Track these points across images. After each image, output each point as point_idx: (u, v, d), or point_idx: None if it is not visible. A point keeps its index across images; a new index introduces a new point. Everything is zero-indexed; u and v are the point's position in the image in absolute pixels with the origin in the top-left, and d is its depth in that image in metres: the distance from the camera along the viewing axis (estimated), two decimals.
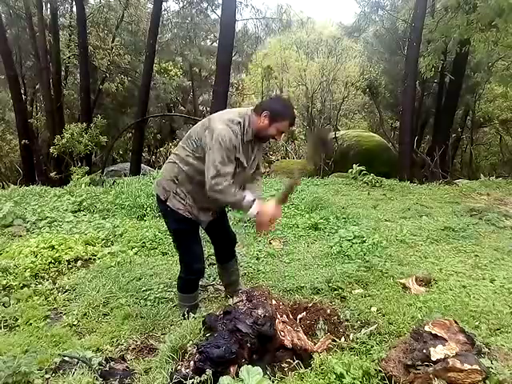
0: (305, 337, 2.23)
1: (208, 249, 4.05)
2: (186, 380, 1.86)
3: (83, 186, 6.72)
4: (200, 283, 3.35)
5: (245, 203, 2.40)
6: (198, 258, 2.69)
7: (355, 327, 2.50)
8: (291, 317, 2.38)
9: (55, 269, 3.65)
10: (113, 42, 15.29)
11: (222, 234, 2.90)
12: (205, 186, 2.39)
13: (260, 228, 2.59)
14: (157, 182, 2.71)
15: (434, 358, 1.83)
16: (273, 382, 1.95)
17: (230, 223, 3.27)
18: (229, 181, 2.36)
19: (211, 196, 2.39)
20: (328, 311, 2.56)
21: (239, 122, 2.44)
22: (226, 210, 3.07)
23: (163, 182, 2.62)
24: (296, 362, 2.09)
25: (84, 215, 5.17)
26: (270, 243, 4.29)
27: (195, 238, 2.70)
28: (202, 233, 2.84)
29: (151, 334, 2.71)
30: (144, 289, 3.24)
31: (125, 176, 9.33)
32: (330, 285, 3.11)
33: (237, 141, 2.40)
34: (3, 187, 7.31)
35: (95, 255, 3.94)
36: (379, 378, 1.92)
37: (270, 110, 2.43)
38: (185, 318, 2.52)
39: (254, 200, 2.42)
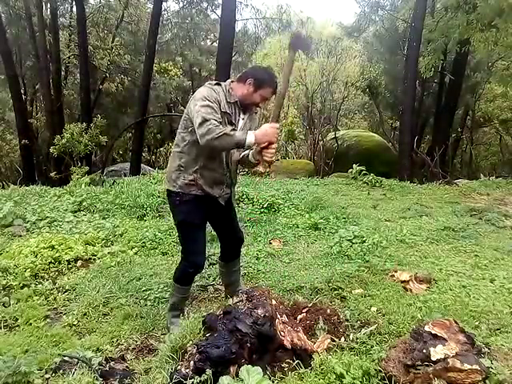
0: (305, 337, 2.23)
1: (208, 249, 4.06)
2: (185, 380, 1.86)
3: (83, 185, 6.72)
4: (200, 283, 3.37)
5: (238, 135, 2.35)
6: (199, 253, 2.69)
7: (355, 327, 2.50)
8: (291, 317, 2.38)
9: (55, 269, 3.65)
10: (113, 41, 15.29)
11: (230, 232, 2.90)
12: (207, 154, 2.45)
13: (265, 155, 2.44)
14: (165, 178, 2.72)
15: (433, 358, 1.83)
16: (273, 382, 1.95)
17: None
18: (217, 124, 2.31)
19: (206, 145, 2.33)
20: (328, 311, 2.56)
21: (219, 84, 2.52)
22: (234, 203, 3.05)
23: (170, 174, 2.63)
24: (296, 362, 2.08)
25: (84, 215, 5.17)
26: (270, 243, 4.29)
27: (200, 232, 2.68)
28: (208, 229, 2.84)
29: (151, 333, 2.71)
30: (144, 289, 3.24)
31: (125, 176, 9.33)
32: (330, 285, 3.10)
33: (219, 97, 2.44)
34: (3, 187, 7.30)
35: (95, 255, 3.94)
36: (379, 377, 1.92)
37: (255, 78, 2.48)
38: (174, 309, 2.70)
39: (246, 132, 2.39)
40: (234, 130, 2.47)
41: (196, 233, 2.67)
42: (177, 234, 4.28)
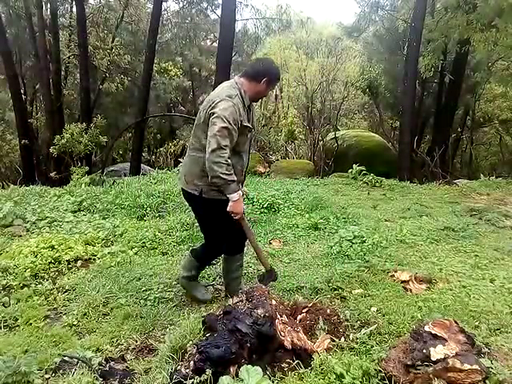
0: (305, 337, 2.23)
1: None
2: (185, 380, 1.86)
3: (83, 185, 6.72)
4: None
5: (232, 186, 2.58)
6: (222, 242, 2.95)
7: (355, 327, 2.50)
8: (291, 317, 2.38)
9: (55, 269, 3.65)
10: (113, 41, 15.29)
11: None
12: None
13: (235, 212, 2.69)
14: (184, 179, 2.83)
15: (433, 358, 1.83)
16: (273, 382, 1.95)
17: None
18: (227, 155, 2.53)
19: (209, 167, 2.53)
20: (328, 311, 2.56)
21: (236, 94, 2.64)
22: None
23: (192, 178, 2.76)
24: (296, 362, 2.08)
25: (84, 215, 5.17)
26: (270, 243, 4.29)
27: (224, 223, 2.81)
28: None
29: (151, 333, 2.70)
30: (144, 289, 3.24)
31: (125, 176, 9.34)
32: (330, 285, 3.11)
33: (239, 112, 2.60)
34: (3, 187, 7.30)
35: (95, 255, 3.94)
36: (379, 378, 1.92)
37: (269, 76, 2.71)
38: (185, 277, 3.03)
39: (237, 193, 2.62)
40: (242, 154, 2.76)
41: (221, 223, 2.86)
42: (176, 235, 4.31)
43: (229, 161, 2.53)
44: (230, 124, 2.52)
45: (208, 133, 2.55)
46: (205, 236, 3.06)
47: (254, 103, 2.98)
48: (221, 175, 2.53)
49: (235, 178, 2.60)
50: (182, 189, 2.89)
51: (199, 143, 2.70)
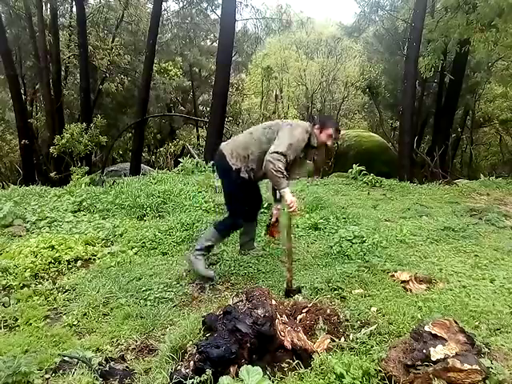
0: (305, 337, 2.23)
1: None
2: (185, 380, 1.86)
3: (83, 186, 6.72)
4: (200, 283, 3.37)
5: (284, 185, 3.10)
6: (242, 216, 3.52)
7: (355, 327, 2.49)
8: (291, 317, 2.38)
9: (55, 269, 3.65)
10: (113, 41, 15.30)
11: (256, 197, 3.75)
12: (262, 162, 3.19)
13: (294, 213, 3.14)
14: (229, 153, 3.38)
15: (433, 358, 1.83)
16: (273, 382, 1.95)
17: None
18: (284, 163, 3.10)
19: (266, 165, 3.11)
20: (328, 311, 2.56)
21: (307, 131, 3.30)
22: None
23: (237, 155, 3.34)
24: (296, 362, 2.08)
25: (84, 215, 5.16)
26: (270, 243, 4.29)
27: (245, 200, 3.49)
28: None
29: (151, 333, 2.70)
30: (144, 289, 3.24)
31: (125, 176, 9.32)
32: (330, 285, 3.10)
33: (303, 144, 3.26)
34: (3, 187, 7.30)
35: (95, 255, 3.94)
36: (379, 378, 1.92)
37: (322, 125, 3.35)
38: (204, 249, 3.42)
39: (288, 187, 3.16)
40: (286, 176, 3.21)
41: (243, 200, 3.51)
42: (176, 235, 4.34)
43: (283, 167, 3.15)
44: (297, 144, 3.28)
45: (280, 137, 3.27)
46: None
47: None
48: (275, 175, 3.14)
49: (287, 182, 3.21)
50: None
51: (257, 142, 3.37)
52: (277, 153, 3.09)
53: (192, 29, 16.59)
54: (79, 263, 3.78)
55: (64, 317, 2.92)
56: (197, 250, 3.44)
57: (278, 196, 3.47)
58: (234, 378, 1.85)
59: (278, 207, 3.65)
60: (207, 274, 3.37)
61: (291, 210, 3.06)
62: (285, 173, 3.09)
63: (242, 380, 1.78)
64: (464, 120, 16.75)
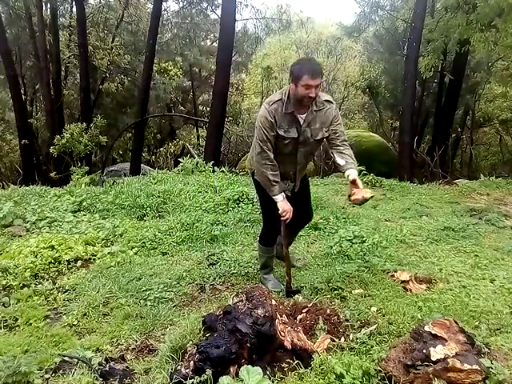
0: (305, 337, 2.23)
1: (208, 249, 4.06)
2: (185, 380, 1.86)
3: (83, 186, 6.71)
4: (200, 283, 3.37)
5: (276, 192, 2.89)
6: (276, 220, 3.08)
7: (355, 327, 2.49)
8: (291, 317, 2.38)
9: (55, 269, 3.65)
10: (113, 41, 15.30)
11: (298, 210, 3.15)
12: (275, 159, 2.86)
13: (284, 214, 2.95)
14: (250, 159, 3.20)
15: (433, 358, 1.83)
16: (273, 382, 1.95)
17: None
18: (269, 158, 2.83)
19: (257, 168, 2.91)
20: (328, 311, 2.56)
21: (279, 99, 2.77)
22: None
23: (250, 158, 3.14)
24: (296, 362, 2.08)
25: (84, 215, 5.16)
26: None
27: (272, 207, 3.03)
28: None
29: (151, 333, 2.70)
30: (144, 289, 3.24)
31: (125, 176, 9.32)
32: (330, 285, 3.10)
33: (274, 118, 2.76)
34: (3, 187, 7.31)
35: (95, 255, 3.94)
36: (379, 378, 1.92)
37: (291, 74, 2.72)
38: (263, 267, 3.32)
39: (281, 194, 2.92)
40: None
41: (273, 204, 3.08)
42: (176, 235, 4.32)
43: (268, 163, 2.90)
44: (265, 129, 2.81)
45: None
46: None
47: (324, 112, 2.90)
48: (267, 175, 2.94)
49: (276, 181, 2.91)
50: None
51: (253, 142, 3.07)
52: (253, 157, 2.92)
53: (192, 29, 16.58)
54: (79, 263, 3.78)
55: (64, 317, 2.92)
56: (259, 270, 3.44)
57: (342, 163, 3.09)
58: (233, 378, 1.85)
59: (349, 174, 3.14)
60: (275, 290, 3.14)
61: (284, 218, 2.95)
62: (272, 178, 2.85)
63: (242, 380, 1.78)
64: (464, 120, 16.74)
